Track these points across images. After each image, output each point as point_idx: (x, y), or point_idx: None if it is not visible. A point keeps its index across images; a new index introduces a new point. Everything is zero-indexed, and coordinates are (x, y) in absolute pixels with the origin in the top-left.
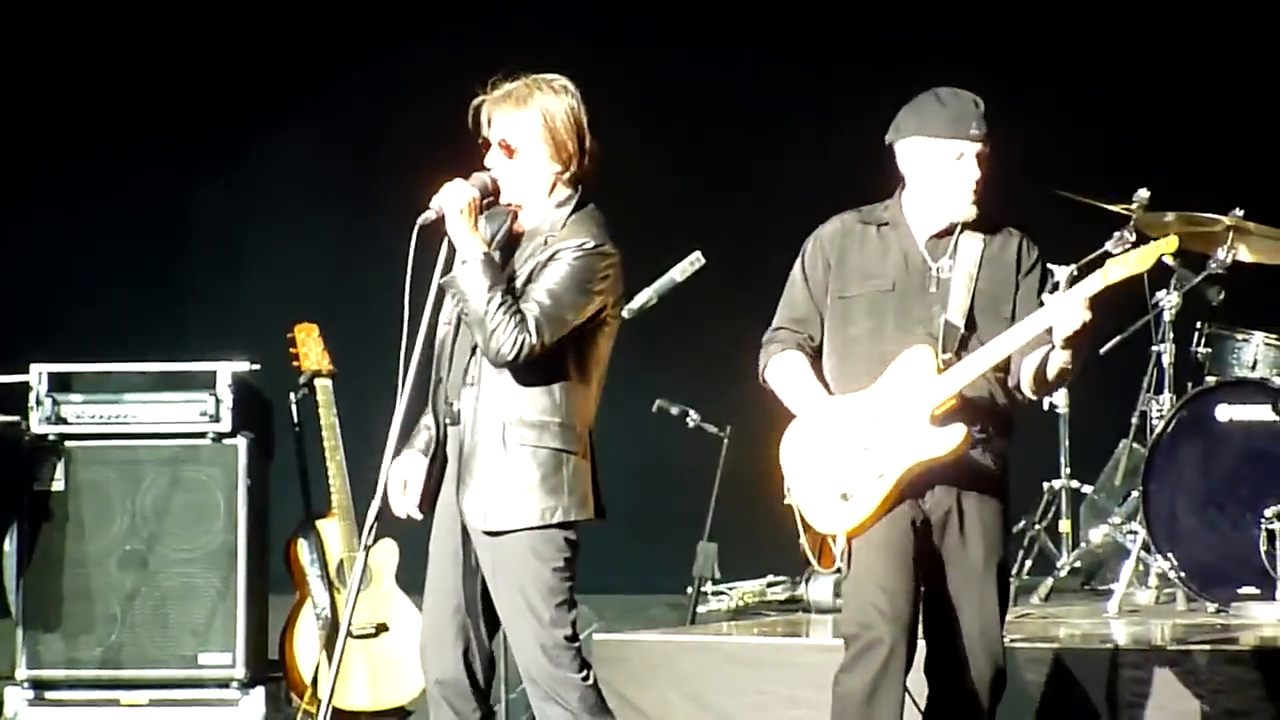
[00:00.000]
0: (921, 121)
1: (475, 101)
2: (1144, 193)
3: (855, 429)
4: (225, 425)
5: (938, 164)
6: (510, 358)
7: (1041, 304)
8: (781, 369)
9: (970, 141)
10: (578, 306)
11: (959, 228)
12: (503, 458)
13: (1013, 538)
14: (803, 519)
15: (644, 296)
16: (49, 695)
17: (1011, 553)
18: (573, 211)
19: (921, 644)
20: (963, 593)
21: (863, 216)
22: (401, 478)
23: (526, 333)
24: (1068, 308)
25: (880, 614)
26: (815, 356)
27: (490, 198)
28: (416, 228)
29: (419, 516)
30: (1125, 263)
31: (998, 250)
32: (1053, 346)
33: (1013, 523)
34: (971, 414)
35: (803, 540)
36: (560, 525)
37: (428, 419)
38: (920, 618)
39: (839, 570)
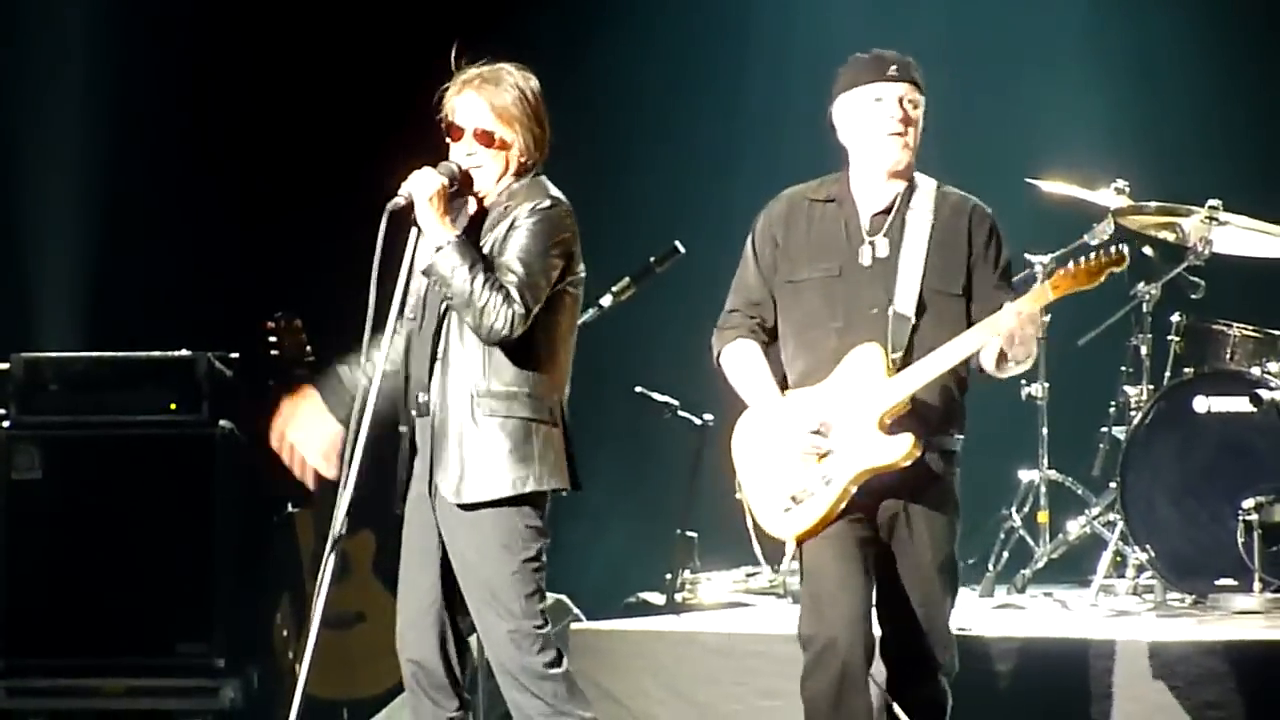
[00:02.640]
0: (841, 78)
1: (444, 87)
2: (1123, 183)
3: (803, 432)
4: (203, 414)
5: (860, 113)
6: (505, 332)
7: (999, 273)
8: (732, 360)
9: (887, 82)
10: (548, 268)
11: (899, 200)
12: (473, 430)
13: (990, 528)
14: (753, 517)
15: (623, 286)
16: (28, 682)
17: (986, 543)
18: (522, 182)
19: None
20: (912, 587)
21: (810, 192)
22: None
23: (513, 304)
24: (1007, 321)
25: (833, 618)
26: (771, 338)
27: (457, 185)
28: (386, 214)
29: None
30: (1072, 278)
31: (947, 226)
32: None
33: (959, 516)
34: (922, 417)
35: (753, 537)
36: (532, 497)
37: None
38: (873, 611)
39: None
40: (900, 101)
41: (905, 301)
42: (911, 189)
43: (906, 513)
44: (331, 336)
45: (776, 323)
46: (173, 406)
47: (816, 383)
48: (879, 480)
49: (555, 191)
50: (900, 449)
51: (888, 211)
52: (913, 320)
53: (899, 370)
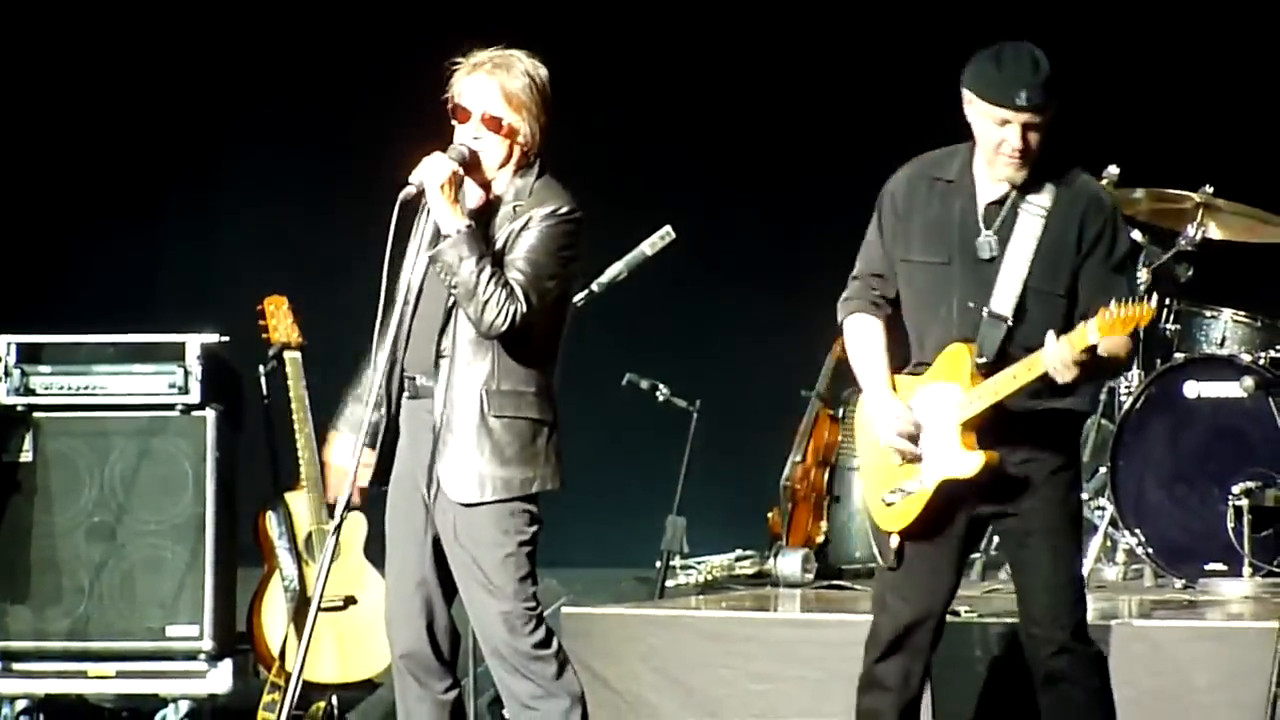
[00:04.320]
0: (974, 78)
1: (453, 71)
2: (1114, 169)
3: (902, 426)
4: (194, 397)
5: (983, 126)
6: (504, 328)
7: (1113, 266)
8: (850, 336)
9: (1014, 110)
10: (556, 273)
11: (1014, 194)
12: (481, 429)
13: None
14: (866, 504)
15: (614, 270)
16: (16, 666)
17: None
18: (536, 179)
19: None
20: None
21: (931, 169)
22: (344, 466)
23: (516, 302)
24: (1048, 359)
25: (890, 614)
26: (894, 309)
27: (468, 170)
28: (398, 203)
29: (356, 502)
30: (1109, 328)
31: (1060, 220)
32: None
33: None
34: (1010, 427)
35: (870, 528)
36: (532, 496)
37: (374, 399)
38: (945, 607)
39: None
40: (1024, 131)
41: (1003, 301)
42: (1032, 179)
43: (1016, 525)
44: (323, 319)
45: (898, 294)
46: (165, 389)
47: (921, 372)
48: (972, 487)
49: (570, 198)
50: (971, 465)
51: (1003, 201)
52: (1009, 322)
53: (984, 377)
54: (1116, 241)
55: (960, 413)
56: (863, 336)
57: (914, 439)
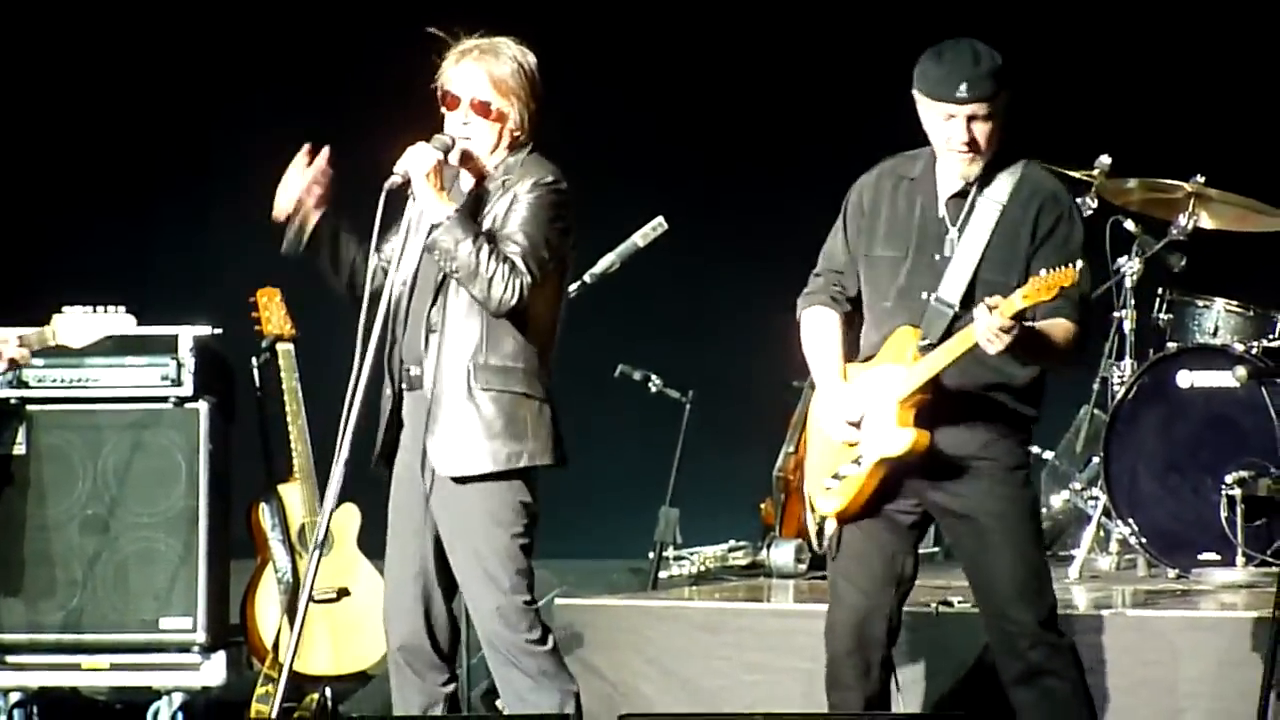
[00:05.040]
0: (919, 76)
1: (442, 57)
2: (1105, 159)
3: (847, 411)
4: (187, 389)
5: (931, 123)
6: (513, 302)
7: (1064, 260)
8: (805, 329)
9: (956, 104)
10: (550, 242)
11: (973, 188)
12: (467, 403)
13: None
14: (807, 492)
15: (607, 261)
16: (10, 659)
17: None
18: (525, 157)
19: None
20: (974, 560)
21: (896, 168)
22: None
23: (520, 274)
24: (976, 329)
25: (840, 602)
26: (853, 306)
27: (461, 162)
28: (384, 193)
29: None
30: (1035, 294)
31: (1014, 215)
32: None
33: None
34: (951, 409)
35: (808, 517)
36: (524, 472)
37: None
38: (900, 599)
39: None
40: (969, 123)
41: (951, 289)
42: (990, 175)
43: (962, 508)
44: (316, 311)
45: (859, 292)
46: (158, 381)
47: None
48: (918, 464)
49: (555, 170)
50: (902, 441)
51: (964, 194)
52: (955, 309)
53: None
54: (1072, 232)
55: (897, 390)
56: (818, 328)
57: (857, 425)
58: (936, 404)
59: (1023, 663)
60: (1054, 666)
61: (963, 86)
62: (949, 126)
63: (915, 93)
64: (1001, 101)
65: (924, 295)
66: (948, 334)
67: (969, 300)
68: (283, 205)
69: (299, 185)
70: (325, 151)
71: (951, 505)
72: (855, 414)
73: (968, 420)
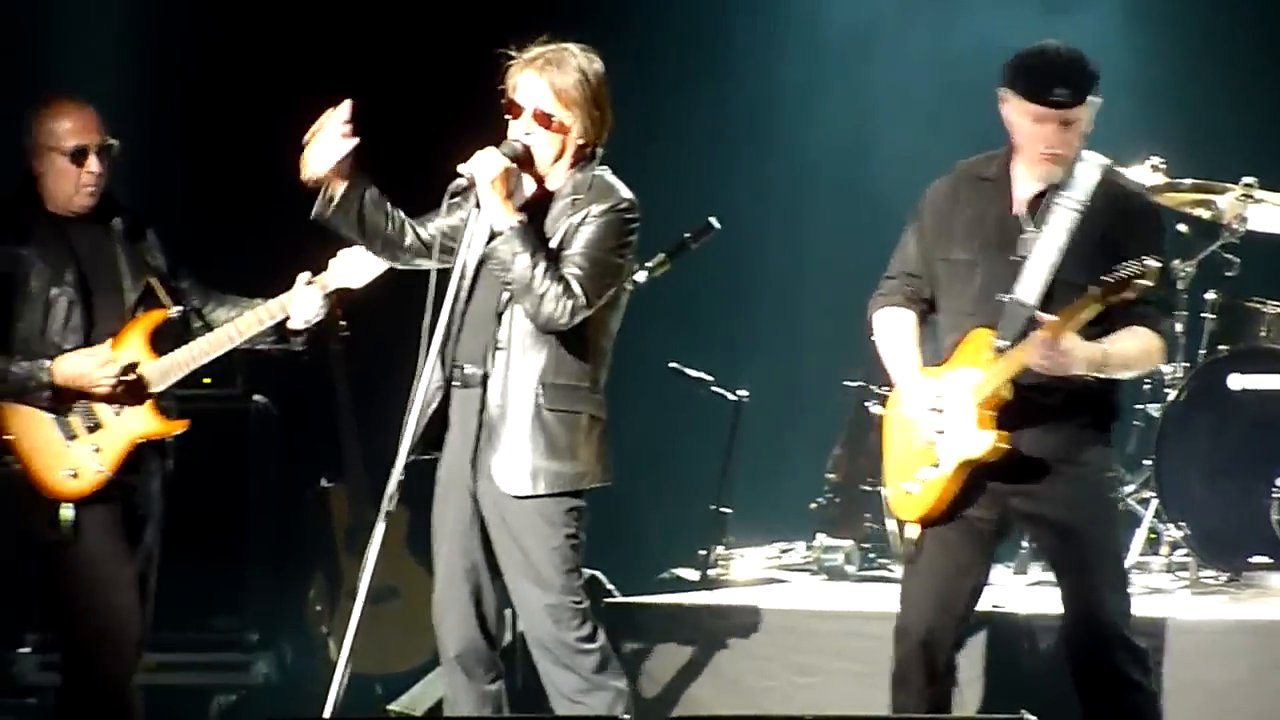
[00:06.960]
0: (1012, 74)
1: (507, 66)
2: (1158, 160)
3: (931, 399)
4: (238, 389)
5: (1019, 123)
6: (562, 323)
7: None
8: (880, 329)
9: (1049, 107)
10: (615, 267)
11: (1050, 190)
12: (536, 423)
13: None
14: (888, 501)
15: (658, 261)
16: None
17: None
18: (594, 173)
19: None
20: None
21: (974, 168)
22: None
23: (573, 296)
24: (1030, 353)
25: (908, 606)
26: (930, 309)
27: (521, 165)
28: (447, 194)
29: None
30: (1112, 291)
31: (1098, 216)
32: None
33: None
34: (1032, 407)
35: (889, 523)
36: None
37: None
38: (971, 606)
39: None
40: (1059, 128)
41: (1029, 290)
42: (1070, 176)
43: (1038, 504)
44: (368, 310)
45: (934, 294)
46: (206, 381)
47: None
48: (989, 470)
49: (628, 192)
50: (983, 443)
51: (1041, 197)
52: (1034, 310)
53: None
54: (1155, 235)
55: (976, 393)
56: (894, 327)
57: (938, 419)
58: (1017, 405)
59: (1100, 670)
60: (1135, 677)
61: (1057, 90)
62: (1039, 128)
63: (1004, 90)
64: (1092, 107)
65: (1001, 296)
66: (1025, 334)
67: (1047, 300)
68: (314, 168)
69: (329, 148)
70: (346, 106)
71: (1037, 510)
72: (940, 403)
73: (1049, 422)
